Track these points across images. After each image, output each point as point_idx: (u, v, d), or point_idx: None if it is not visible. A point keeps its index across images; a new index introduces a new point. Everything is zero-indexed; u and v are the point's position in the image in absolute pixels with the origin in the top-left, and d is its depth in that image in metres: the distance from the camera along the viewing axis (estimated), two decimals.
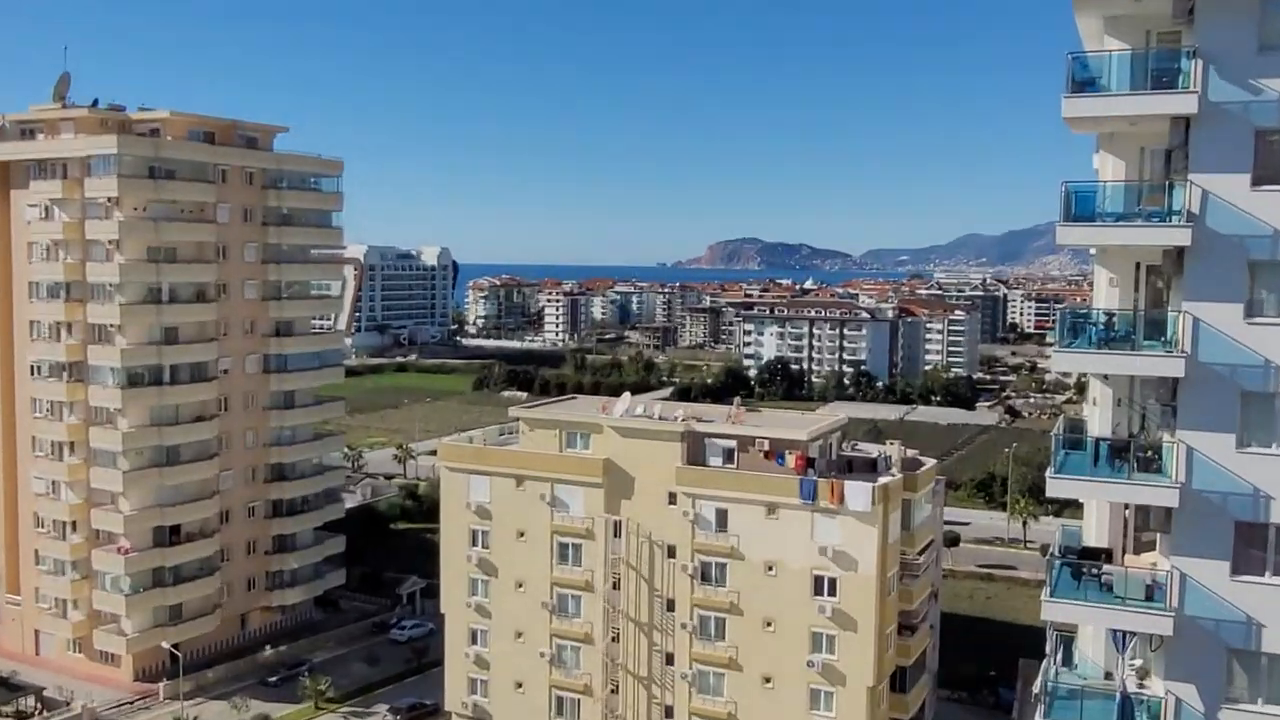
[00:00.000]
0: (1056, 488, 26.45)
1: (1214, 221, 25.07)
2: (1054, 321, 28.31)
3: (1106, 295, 28.47)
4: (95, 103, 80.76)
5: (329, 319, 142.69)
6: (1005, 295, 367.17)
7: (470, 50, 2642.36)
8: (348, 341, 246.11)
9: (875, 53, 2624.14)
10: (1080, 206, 26.43)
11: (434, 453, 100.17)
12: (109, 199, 75.69)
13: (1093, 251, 29.35)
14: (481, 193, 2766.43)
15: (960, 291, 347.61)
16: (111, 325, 75.93)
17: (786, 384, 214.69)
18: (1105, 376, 28.23)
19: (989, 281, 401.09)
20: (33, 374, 79.42)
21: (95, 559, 76.88)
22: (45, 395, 78.77)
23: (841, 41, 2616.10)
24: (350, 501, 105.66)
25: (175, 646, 75.97)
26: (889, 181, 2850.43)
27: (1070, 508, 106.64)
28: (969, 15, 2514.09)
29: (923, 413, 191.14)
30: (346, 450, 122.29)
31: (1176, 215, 25.27)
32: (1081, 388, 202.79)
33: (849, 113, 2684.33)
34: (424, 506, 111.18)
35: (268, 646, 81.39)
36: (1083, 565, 27.35)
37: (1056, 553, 28.90)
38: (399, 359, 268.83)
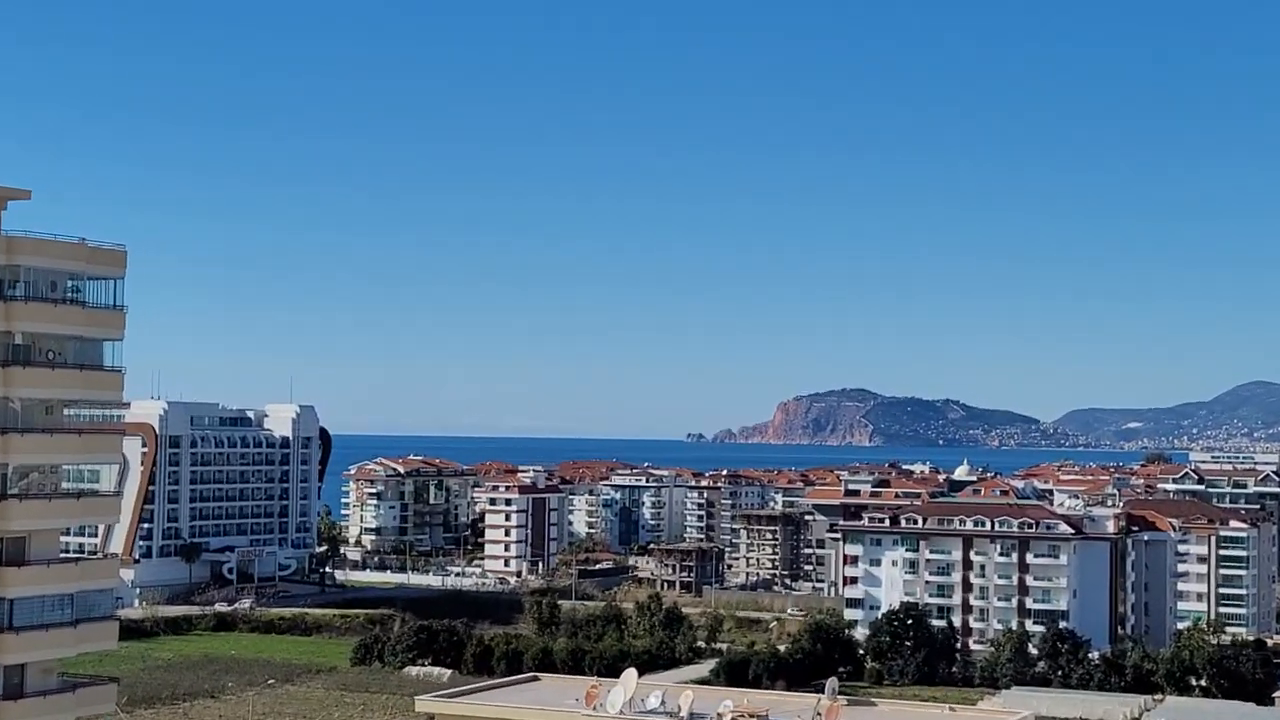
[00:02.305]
0: None
1: None
2: None
3: None
4: None
5: (93, 534, 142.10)
6: None
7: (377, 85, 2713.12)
8: (128, 575, 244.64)
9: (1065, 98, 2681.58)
10: None
11: None
12: None
13: None
14: (374, 314, 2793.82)
15: (1240, 486, 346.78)
16: None
17: (924, 654, 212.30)
18: None
19: None
20: None
21: None
22: None
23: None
24: None
25: None
26: (1101, 295, 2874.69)
27: None
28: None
29: (1176, 709, 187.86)
30: None
31: None
32: None
33: (1021, 179, 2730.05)
34: None
35: None
36: None
37: None
38: (220, 607, 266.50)
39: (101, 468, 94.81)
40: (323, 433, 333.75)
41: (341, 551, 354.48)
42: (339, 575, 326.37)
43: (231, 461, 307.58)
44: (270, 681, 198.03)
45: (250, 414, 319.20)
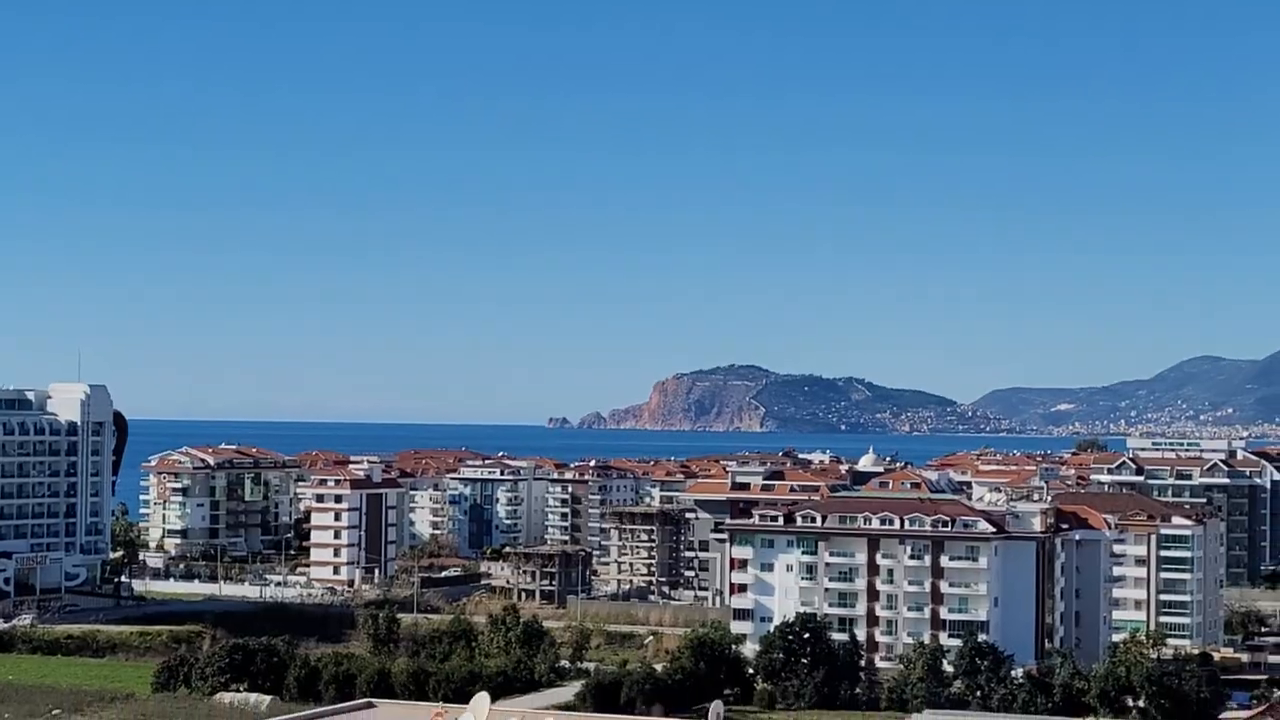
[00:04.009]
0: None
1: None
2: None
3: None
4: None
5: None
6: (1276, 484, 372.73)
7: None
8: None
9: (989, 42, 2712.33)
10: None
11: None
12: None
13: None
14: (177, 277, 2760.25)
15: (1184, 478, 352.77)
16: None
17: (823, 673, 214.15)
18: None
19: (1241, 455, 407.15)
20: None
21: None
22: None
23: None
24: None
25: None
26: (1027, 265, 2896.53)
27: None
28: None
29: None
30: None
31: None
32: None
33: (948, 134, 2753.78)
34: None
35: None
36: None
37: None
38: None
39: None
40: (117, 417, 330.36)
41: (141, 558, 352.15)
42: (137, 586, 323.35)
43: (8, 452, 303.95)
44: (55, 712, 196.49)
45: (30, 395, 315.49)
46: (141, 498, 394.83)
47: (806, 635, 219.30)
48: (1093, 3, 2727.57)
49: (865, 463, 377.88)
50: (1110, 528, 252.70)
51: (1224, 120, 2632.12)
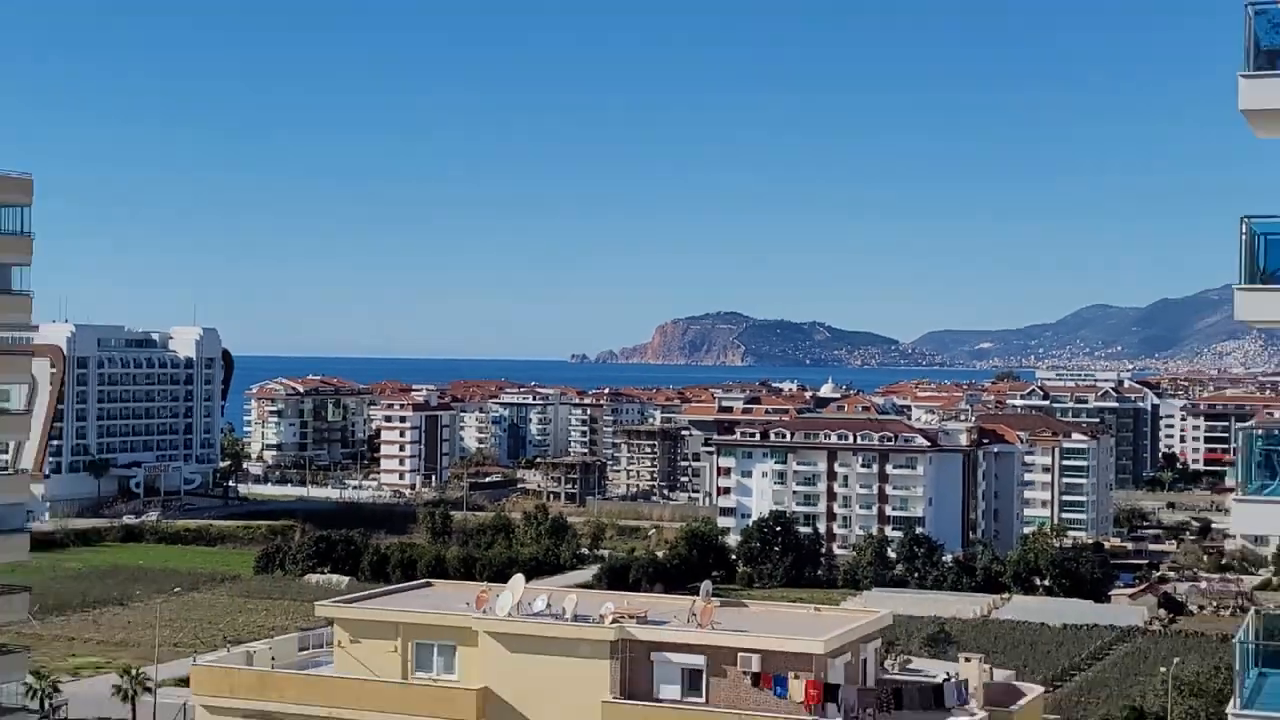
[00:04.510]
0: None
1: None
2: (1236, 451, 28.47)
3: None
4: None
5: (3, 451, 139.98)
6: (1155, 407, 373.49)
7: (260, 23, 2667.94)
8: (38, 490, 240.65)
9: (920, 37, 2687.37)
10: (1275, 259, 26.80)
11: (185, 682, 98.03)
12: None
13: None
14: (275, 241, 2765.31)
15: (1081, 401, 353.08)
16: None
17: (791, 559, 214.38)
18: None
19: (1128, 384, 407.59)
20: None
21: None
22: None
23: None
24: None
25: None
26: (957, 227, 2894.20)
27: None
28: None
29: (1020, 607, 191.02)
30: (32, 680, 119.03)
31: None
32: None
33: (885, 114, 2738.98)
34: None
35: None
36: None
37: None
38: (128, 520, 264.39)
39: (11, 387, 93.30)
40: (225, 354, 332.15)
41: (244, 466, 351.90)
42: (242, 489, 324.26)
43: (138, 381, 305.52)
44: (177, 589, 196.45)
45: (155, 336, 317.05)
46: (244, 419, 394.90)
47: (778, 528, 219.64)
48: None
49: (825, 390, 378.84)
50: (1022, 442, 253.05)
51: (1093, 105, 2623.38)
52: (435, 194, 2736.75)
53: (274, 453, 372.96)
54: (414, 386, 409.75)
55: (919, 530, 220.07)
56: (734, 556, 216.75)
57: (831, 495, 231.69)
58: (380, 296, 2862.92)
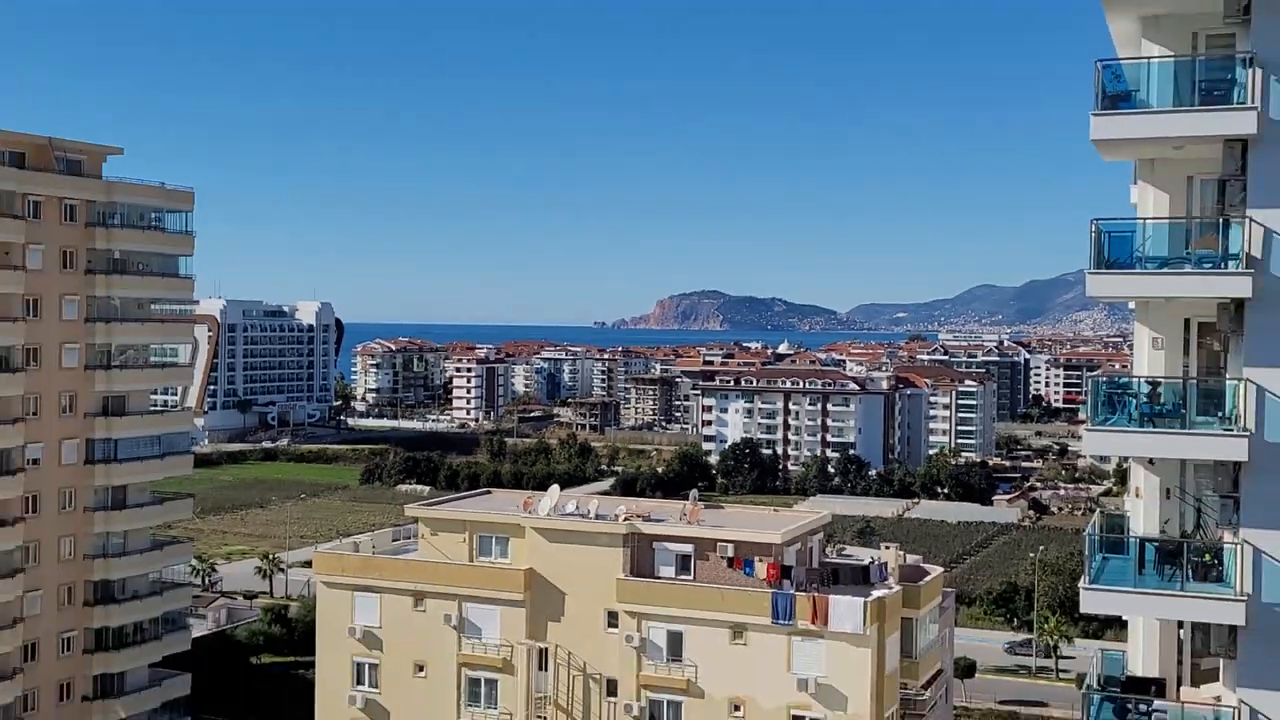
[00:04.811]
0: (1093, 602, 26.31)
1: None
2: (1086, 393, 28.42)
3: (1150, 360, 28.61)
4: None
5: (174, 393, 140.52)
6: (1027, 361, 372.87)
7: (354, 51, 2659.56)
8: (199, 423, 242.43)
9: (856, 68, 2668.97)
10: (1115, 250, 26.65)
11: (309, 564, 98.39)
12: None
13: (1132, 306, 29.62)
14: (373, 235, 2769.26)
15: (971, 357, 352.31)
16: None
17: (757, 473, 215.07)
18: (1150, 461, 28.27)
19: (1006, 344, 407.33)
20: None
21: None
22: None
23: (801, 43, 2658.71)
24: (199, 629, 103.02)
25: None
26: (880, 223, 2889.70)
27: (1112, 627, 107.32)
28: (973, 18, 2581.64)
29: (927, 508, 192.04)
30: (196, 563, 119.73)
31: (1234, 260, 25.41)
32: (1122, 476, 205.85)
33: (829, 138, 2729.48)
34: (295, 634, 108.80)
35: None
36: (1129, 700, 27.18)
37: (1095, 684, 28.76)
38: (266, 444, 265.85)
39: (179, 346, 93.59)
40: (337, 321, 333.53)
41: (351, 405, 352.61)
42: (350, 422, 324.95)
43: (272, 342, 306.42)
44: (302, 496, 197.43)
45: (285, 308, 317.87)
46: (351, 369, 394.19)
47: (747, 451, 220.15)
48: None
49: (782, 349, 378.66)
50: (928, 387, 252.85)
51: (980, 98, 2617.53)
52: (493, 196, 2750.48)
53: (374, 394, 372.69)
54: (477, 346, 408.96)
55: (851, 452, 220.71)
56: (714, 471, 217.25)
57: (787, 426, 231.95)
58: (453, 278, 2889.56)
